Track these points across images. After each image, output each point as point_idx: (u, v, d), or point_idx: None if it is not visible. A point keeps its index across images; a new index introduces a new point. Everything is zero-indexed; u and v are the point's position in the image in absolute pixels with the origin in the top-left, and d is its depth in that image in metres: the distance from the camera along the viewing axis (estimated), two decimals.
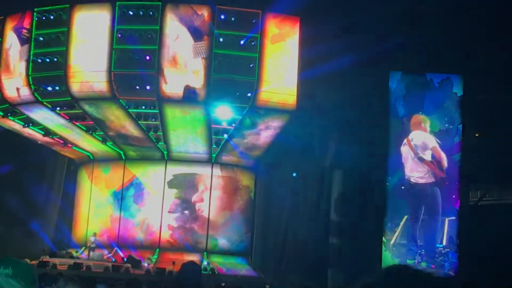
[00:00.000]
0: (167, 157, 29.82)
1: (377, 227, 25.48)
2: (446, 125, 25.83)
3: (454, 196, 25.52)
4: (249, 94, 25.20)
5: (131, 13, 25.19)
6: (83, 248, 29.49)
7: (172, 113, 26.40)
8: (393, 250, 25.30)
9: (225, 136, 27.57)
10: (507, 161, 24.80)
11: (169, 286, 13.52)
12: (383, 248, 25.36)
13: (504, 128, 25.07)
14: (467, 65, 25.17)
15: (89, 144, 30.26)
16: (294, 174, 28.75)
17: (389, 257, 25.24)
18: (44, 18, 26.26)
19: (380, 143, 25.68)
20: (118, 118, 27.04)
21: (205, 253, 29.02)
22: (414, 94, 26.04)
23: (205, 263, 27.65)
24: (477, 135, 27.37)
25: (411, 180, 25.63)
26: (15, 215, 29.16)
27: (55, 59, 25.76)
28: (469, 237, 24.59)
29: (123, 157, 30.38)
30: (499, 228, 23.61)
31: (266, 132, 27.29)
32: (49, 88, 25.53)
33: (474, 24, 24.09)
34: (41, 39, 26.11)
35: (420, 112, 25.90)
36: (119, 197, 30.10)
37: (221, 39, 25.09)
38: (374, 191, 25.97)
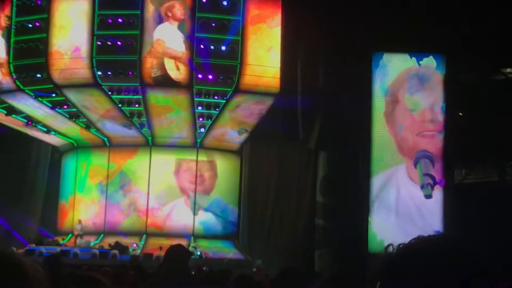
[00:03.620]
0: (151, 143, 29.72)
1: (363, 208, 25.57)
2: (430, 104, 25.90)
3: (439, 176, 25.64)
4: (232, 78, 25.22)
5: None
6: (70, 235, 29.40)
7: (155, 99, 26.33)
8: (379, 231, 25.42)
9: (209, 120, 27.59)
10: (490, 139, 24.93)
11: (156, 271, 13.53)
12: (369, 228, 25.47)
13: (487, 106, 25.18)
14: (450, 44, 25.22)
15: (73, 131, 30.10)
16: None
17: (375, 237, 25.35)
18: (24, 5, 26.06)
19: (364, 124, 25.71)
20: (101, 104, 26.95)
21: (192, 237, 29.02)
22: (397, 74, 26.07)
23: (192, 247, 27.68)
24: (460, 114, 27.49)
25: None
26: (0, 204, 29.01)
27: (36, 46, 25.60)
28: (454, 216, 24.73)
29: (107, 144, 30.26)
30: (484, 207, 23.76)
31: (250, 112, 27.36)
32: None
33: (455, 2, 24.13)
34: (21, 26, 25.92)
35: (404, 92, 25.95)
36: (105, 184, 29.99)
37: (202, 22, 25.09)
38: (359, 172, 26.03)
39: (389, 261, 1.68)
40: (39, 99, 26.79)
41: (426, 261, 1.64)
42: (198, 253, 27.09)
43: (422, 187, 25.33)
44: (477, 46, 24.63)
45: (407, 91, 25.92)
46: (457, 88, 25.66)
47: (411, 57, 26.07)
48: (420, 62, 25.98)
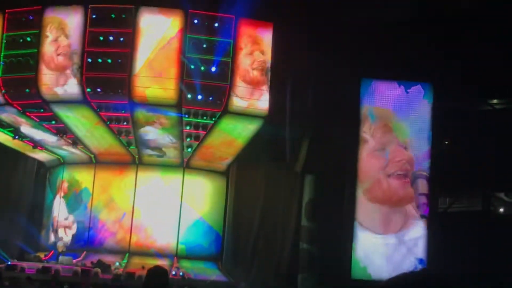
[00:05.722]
0: (138, 161, 29.69)
1: (347, 233, 25.56)
2: (417, 132, 26.03)
3: (423, 204, 25.69)
4: (222, 99, 25.29)
5: (103, 16, 25.14)
6: (52, 252, 29.23)
7: (144, 117, 26.36)
8: (362, 257, 25.41)
9: (197, 140, 27.61)
10: (475, 168, 25.06)
11: None
12: (353, 255, 25.44)
13: (473, 136, 25.34)
14: (437, 73, 25.42)
15: (60, 146, 30.03)
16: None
17: (358, 264, 25.34)
18: (15, 19, 26.11)
19: (351, 150, 25.78)
20: (89, 121, 26.95)
21: (174, 258, 28.90)
22: (385, 101, 26.21)
23: (174, 268, 27.55)
24: (446, 142, 27.63)
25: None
26: None
27: (26, 61, 25.63)
28: (438, 244, 24.78)
29: (94, 161, 30.20)
30: (468, 236, 23.84)
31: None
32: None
33: (443, 32, 24.39)
34: (12, 40, 25.96)
35: (391, 120, 26.07)
36: (90, 200, 29.88)
37: (193, 43, 25.19)
38: (345, 197, 26.05)
39: None
40: (27, 114, 26.77)
41: None
42: (181, 273, 26.97)
43: (418, 206, 25.35)
44: (465, 76, 24.84)
45: (394, 119, 26.04)
46: (444, 117, 25.81)
47: (399, 85, 26.23)
48: (408, 90, 26.15)
